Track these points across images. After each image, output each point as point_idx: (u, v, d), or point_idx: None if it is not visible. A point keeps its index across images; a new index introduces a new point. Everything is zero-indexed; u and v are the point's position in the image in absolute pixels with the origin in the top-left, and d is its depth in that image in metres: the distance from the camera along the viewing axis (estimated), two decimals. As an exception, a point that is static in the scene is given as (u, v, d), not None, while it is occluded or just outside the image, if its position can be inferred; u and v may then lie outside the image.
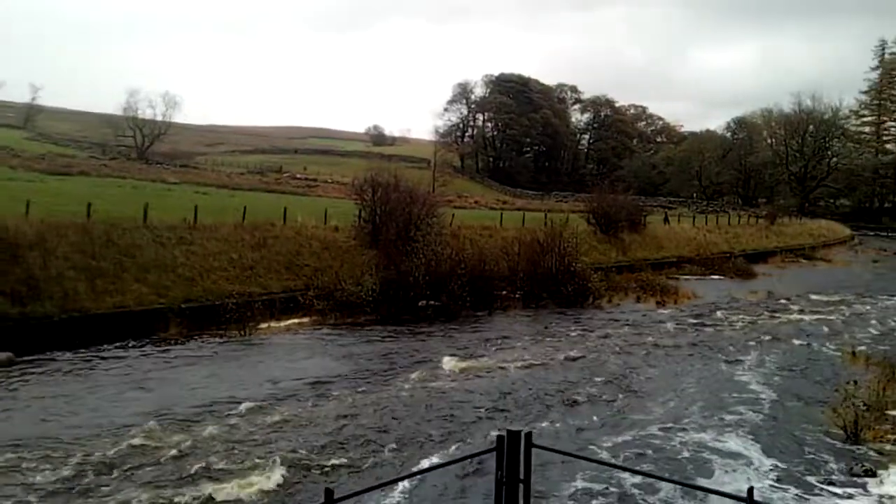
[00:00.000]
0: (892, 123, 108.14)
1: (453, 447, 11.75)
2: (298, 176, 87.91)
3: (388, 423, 12.81)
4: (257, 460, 10.78)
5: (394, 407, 13.80)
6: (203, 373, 15.81)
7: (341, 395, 14.42)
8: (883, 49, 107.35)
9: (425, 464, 10.81)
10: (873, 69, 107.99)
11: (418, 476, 10.01)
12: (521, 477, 4.40)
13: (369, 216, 27.75)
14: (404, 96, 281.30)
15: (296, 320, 21.61)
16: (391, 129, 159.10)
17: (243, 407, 13.18)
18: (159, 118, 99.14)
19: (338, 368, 16.50)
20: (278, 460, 10.74)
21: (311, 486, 10.12)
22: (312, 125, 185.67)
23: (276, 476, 10.27)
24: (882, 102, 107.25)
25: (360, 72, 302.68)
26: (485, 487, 9.29)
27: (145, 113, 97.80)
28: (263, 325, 20.43)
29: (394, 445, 11.74)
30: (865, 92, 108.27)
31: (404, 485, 9.86)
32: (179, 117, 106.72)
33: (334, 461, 10.96)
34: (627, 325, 23.38)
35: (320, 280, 23.48)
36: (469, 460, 10.20)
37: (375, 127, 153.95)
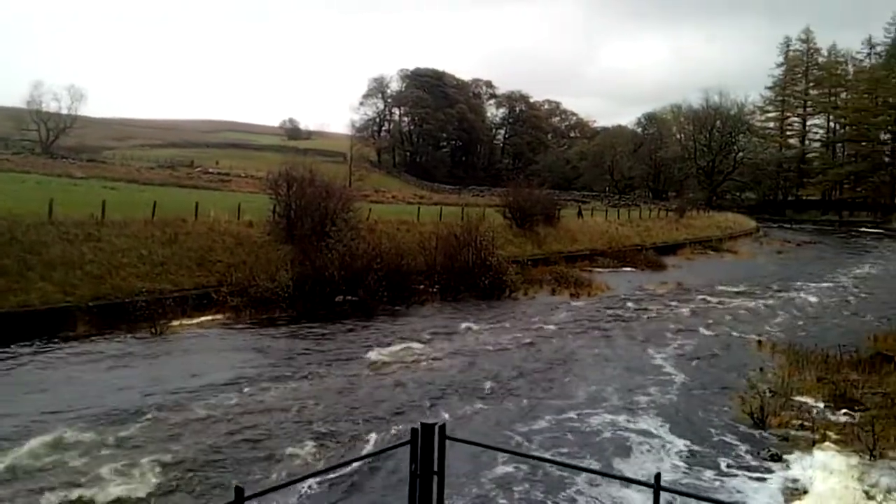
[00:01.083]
0: (796, 119, 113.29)
1: (368, 441, 11.70)
2: (211, 170, 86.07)
3: (302, 420, 12.65)
4: (163, 463, 10.50)
5: (308, 403, 13.61)
6: (110, 373, 15.27)
7: (253, 391, 14.14)
8: (787, 46, 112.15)
9: (339, 459, 10.72)
10: (778, 66, 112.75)
11: (331, 472, 9.88)
12: (436, 469, 4.41)
13: (284, 211, 27.34)
14: (320, 90, 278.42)
15: (209, 317, 21.15)
16: (307, 122, 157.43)
17: (150, 406, 12.80)
18: (65, 111, 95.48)
19: (251, 365, 16.17)
20: (184, 461, 10.49)
21: (219, 485, 9.90)
22: (225, 118, 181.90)
23: (182, 477, 10.02)
24: (786, 98, 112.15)
25: (275, 64, 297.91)
26: (398, 481, 9.29)
27: (50, 106, 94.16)
28: (175, 323, 19.88)
29: (308, 442, 11.60)
30: (770, 88, 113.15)
31: (317, 481, 9.74)
32: (86, 110, 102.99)
33: (245, 459, 10.77)
34: (543, 316, 23.73)
35: (234, 276, 23.04)
36: (383, 454, 10.14)
37: (290, 120, 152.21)
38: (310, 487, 9.62)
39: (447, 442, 4.50)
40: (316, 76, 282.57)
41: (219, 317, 21.29)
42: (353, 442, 11.74)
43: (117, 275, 21.35)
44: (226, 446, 11.24)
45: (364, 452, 10.62)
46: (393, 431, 12.13)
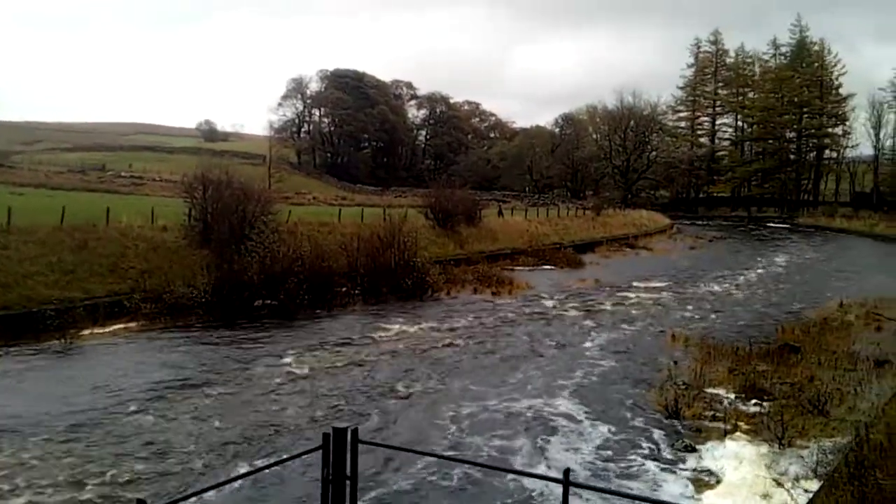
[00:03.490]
0: (706, 118, 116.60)
1: (282, 448, 11.49)
2: (124, 174, 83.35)
3: (213, 430, 12.35)
4: (70, 478, 10.14)
5: (220, 413, 13.29)
6: (12, 388, 14.64)
7: (164, 401, 13.77)
8: (698, 47, 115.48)
9: (249, 467, 10.48)
10: (689, 67, 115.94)
11: (240, 480, 9.61)
12: (348, 474, 4.37)
13: (200, 215, 26.78)
14: (237, 91, 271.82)
15: (122, 325, 20.51)
16: (223, 124, 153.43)
17: (56, 423, 12.33)
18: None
19: (163, 375, 15.67)
20: (90, 478, 10.15)
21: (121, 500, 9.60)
22: (139, 121, 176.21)
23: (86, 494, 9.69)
24: (696, 98, 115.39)
25: (190, 66, 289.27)
26: (310, 487, 9.18)
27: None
28: (86, 332, 19.23)
29: (218, 452, 11.35)
30: (682, 88, 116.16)
31: (226, 491, 9.47)
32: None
33: (150, 472, 10.49)
34: (465, 316, 23.86)
35: (148, 282, 22.43)
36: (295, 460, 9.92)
37: (207, 122, 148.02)
38: (219, 497, 9.40)
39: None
40: (232, 77, 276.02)
41: (132, 325, 20.68)
42: (265, 449, 11.54)
43: (24, 283, 20.56)
44: (130, 461, 10.93)
45: (275, 459, 10.40)
46: (308, 436, 11.98)
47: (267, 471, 9.52)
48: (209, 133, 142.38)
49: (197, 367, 16.62)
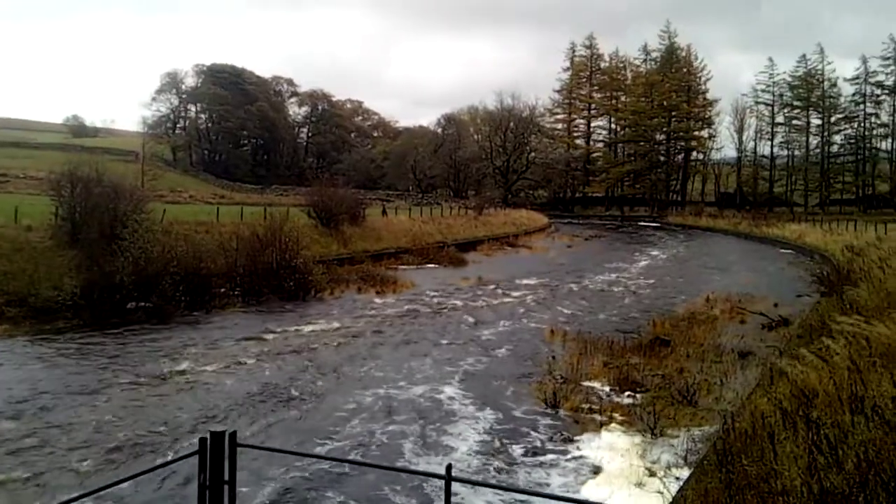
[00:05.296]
0: (581, 120, 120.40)
1: (155, 456, 11.03)
2: (-17, 170, 78.32)
3: (80, 440, 11.73)
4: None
5: (88, 422, 12.60)
6: None
7: (25, 412, 12.98)
8: (573, 52, 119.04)
9: (119, 476, 10.02)
10: (565, 70, 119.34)
11: (109, 489, 9.13)
12: (226, 479, 4.25)
13: (68, 214, 25.48)
14: (107, 85, 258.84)
15: (-18, 331, 19.25)
16: (93, 119, 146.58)
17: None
18: None
19: (24, 384, 14.76)
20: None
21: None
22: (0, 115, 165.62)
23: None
24: (572, 101, 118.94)
25: (57, 61, 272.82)
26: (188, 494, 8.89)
27: None
28: (-59, 339, 17.94)
29: (85, 463, 10.80)
30: (558, 91, 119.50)
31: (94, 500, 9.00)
32: None
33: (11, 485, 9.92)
34: (348, 315, 23.71)
35: (11, 285, 21.14)
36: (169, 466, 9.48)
37: (75, 117, 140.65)
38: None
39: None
40: (103, 71, 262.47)
41: (-7, 329, 19.43)
42: (137, 458, 11.07)
43: None
44: None
45: (147, 467, 9.96)
46: (185, 443, 11.57)
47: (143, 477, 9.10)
48: (78, 128, 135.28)
49: (57, 372, 15.76)
